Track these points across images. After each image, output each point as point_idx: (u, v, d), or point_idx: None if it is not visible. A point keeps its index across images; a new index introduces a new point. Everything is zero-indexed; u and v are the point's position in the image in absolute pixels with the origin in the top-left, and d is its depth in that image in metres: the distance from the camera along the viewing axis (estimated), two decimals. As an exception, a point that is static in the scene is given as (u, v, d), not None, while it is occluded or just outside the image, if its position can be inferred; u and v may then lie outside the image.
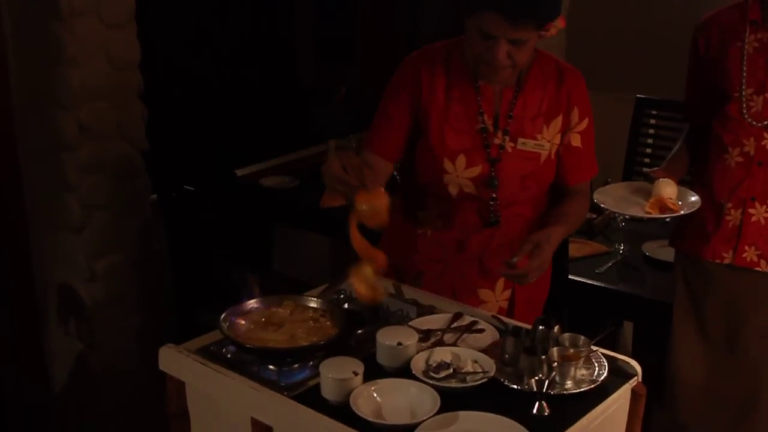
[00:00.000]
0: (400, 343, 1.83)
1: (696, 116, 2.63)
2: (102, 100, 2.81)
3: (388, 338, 1.84)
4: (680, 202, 2.48)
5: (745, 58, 2.39)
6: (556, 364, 1.76)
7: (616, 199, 2.59)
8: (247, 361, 1.86)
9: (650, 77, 4.98)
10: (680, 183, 2.54)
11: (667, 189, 2.49)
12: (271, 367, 1.86)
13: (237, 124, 4.00)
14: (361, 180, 1.86)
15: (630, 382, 1.81)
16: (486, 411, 1.67)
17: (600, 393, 1.75)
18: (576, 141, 2.23)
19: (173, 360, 1.91)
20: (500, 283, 2.28)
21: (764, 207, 2.41)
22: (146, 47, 2.96)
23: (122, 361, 3.03)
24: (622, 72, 5.20)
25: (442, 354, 1.85)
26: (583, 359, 1.81)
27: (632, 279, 2.94)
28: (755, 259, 2.43)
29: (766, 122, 2.37)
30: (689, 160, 2.65)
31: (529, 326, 1.91)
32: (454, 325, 2.01)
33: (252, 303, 2.00)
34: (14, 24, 2.68)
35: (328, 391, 1.71)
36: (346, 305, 2.15)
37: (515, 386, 1.76)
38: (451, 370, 1.78)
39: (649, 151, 4.07)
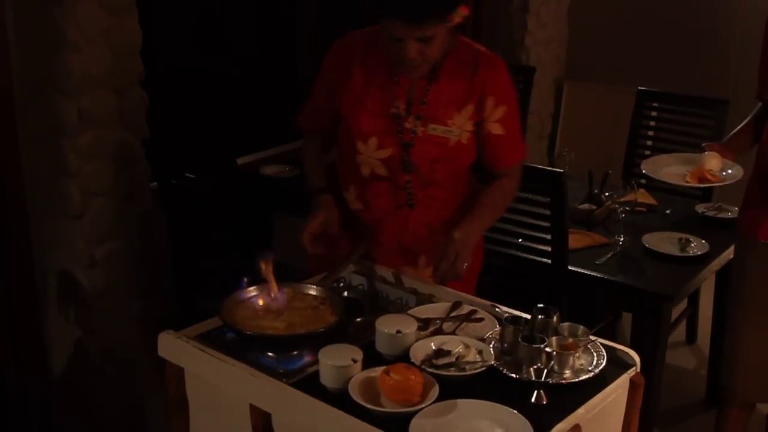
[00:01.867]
0: (399, 331, 1.85)
1: (766, 96, 2.64)
2: (103, 87, 2.81)
3: (387, 326, 1.85)
4: (723, 174, 2.52)
5: None
6: (555, 353, 1.77)
7: (661, 169, 2.65)
8: (246, 348, 1.88)
9: (651, 69, 4.98)
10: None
11: (711, 161, 2.56)
12: (270, 354, 1.87)
13: (238, 112, 4.00)
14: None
15: (629, 372, 1.83)
16: (485, 399, 1.69)
17: (598, 382, 1.77)
18: (496, 129, 2.30)
19: (172, 346, 1.92)
20: (422, 259, 2.38)
21: None
22: (148, 34, 2.95)
23: (122, 348, 3.04)
24: (624, 64, 5.20)
25: (442, 342, 1.86)
26: (581, 349, 1.83)
27: (631, 270, 2.95)
28: None
29: None
30: (751, 138, 2.67)
31: (527, 315, 1.92)
32: (453, 314, 2.03)
33: (251, 290, 2.01)
34: (15, 10, 2.67)
35: (327, 378, 1.73)
36: (345, 293, 2.17)
37: (514, 375, 1.77)
38: (452, 359, 1.80)
39: (649, 143, 4.08)
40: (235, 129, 3.89)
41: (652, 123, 4.13)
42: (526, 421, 1.61)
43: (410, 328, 1.85)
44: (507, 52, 5.25)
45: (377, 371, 1.73)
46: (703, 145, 2.71)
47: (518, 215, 2.93)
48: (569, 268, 2.89)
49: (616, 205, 3.14)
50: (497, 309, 2.06)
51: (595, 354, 1.85)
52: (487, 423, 1.63)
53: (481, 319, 2.01)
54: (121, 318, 3.02)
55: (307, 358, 1.85)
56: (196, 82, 3.74)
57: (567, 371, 1.78)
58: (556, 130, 5.62)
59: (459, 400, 1.68)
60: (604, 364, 1.81)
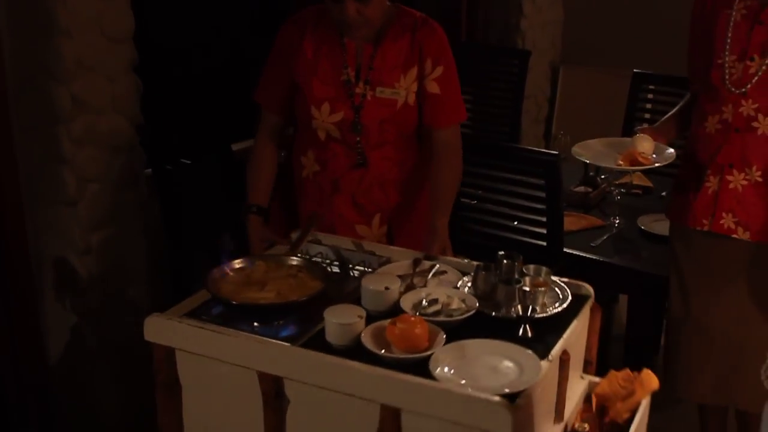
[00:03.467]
0: (387, 288, 1.95)
1: (694, 84, 2.64)
2: (96, 73, 2.79)
3: (374, 284, 1.96)
4: (654, 156, 2.55)
5: (731, 25, 2.39)
6: (530, 291, 1.91)
7: (594, 152, 2.68)
8: (235, 320, 1.91)
9: (647, 52, 4.97)
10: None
11: (644, 144, 2.58)
12: (255, 324, 1.91)
13: (233, 97, 3.98)
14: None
15: (588, 302, 2.04)
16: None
17: (569, 313, 1.97)
18: (433, 88, 2.46)
19: (163, 328, 1.91)
20: (376, 219, 2.56)
21: (741, 174, 2.42)
22: (141, 19, 2.94)
23: (118, 335, 3.03)
24: (620, 47, 5.19)
25: (427, 294, 2.00)
26: (549, 286, 2.02)
27: (627, 252, 2.95)
28: (732, 226, 2.44)
29: (744, 89, 2.37)
30: (678, 127, 2.68)
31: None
32: (419, 269, 2.15)
33: (229, 266, 2.09)
34: (6, -4, 2.67)
35: (335, 336, 1.82)
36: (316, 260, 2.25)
37: (500, 314, 1.93)
38: (439, 307, 1.94)
39: (646, 125, 4.06)
40: (230, 114, 3.88)
41: (648, 105, 4.13)
42: (531, 353, 1.77)
43: (395, 284, 1.96)
44: (503, 36, 5.24)
45: (384, 324, 1.83)
46: (636, 128, 2.73)
47: (514, 198, 2.93)
48: (565, 250, 2.89)
49: (612, 188, 3.14)
50: (465, 261, 2.21)
51: (558, 290, 2.04)
52: (497, 358, 1.77)
53: (444, 272, 2.15)
54: (117, 304, 3.02)
55: (299, 325, 1.90)
56: (191, 67, 3.72)
57: (538, 307, 1.94)
58: (552, 114, 5.61)
59: (464, 341, 1.81)
60: (570, 298, 2.00)
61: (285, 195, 2.70)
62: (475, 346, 1.81)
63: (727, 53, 2.40)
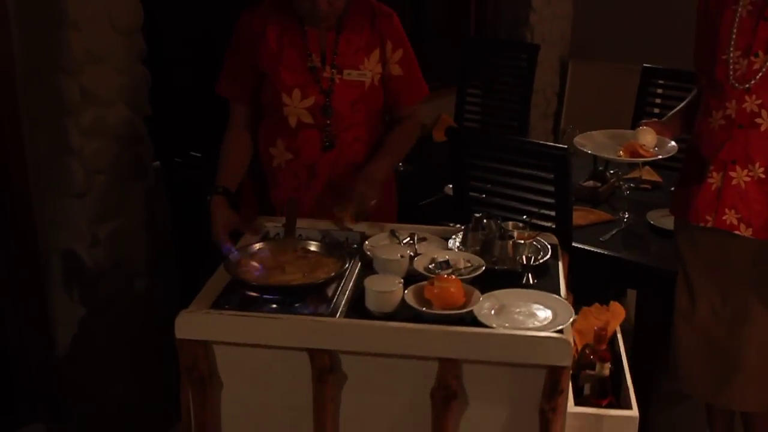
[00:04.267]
0: (391, 289, 1.96)
1: (700, 79, 2.62)
2: (104, 65, 2.80)
3: (378, 285, 1.96)
4: (656, 149, 2.54)
5: (737, 20, 2.38)
6: (522, 243, 2.15)
7: (596, 144, 2.68)
8: (263, 304, 1.94)
9: (656, 47, 4.95)
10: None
11: (646, 137, 2.58)
12: (291, 305, 1.94)
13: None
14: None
15: (558, 249, 2.28)
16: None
17: (554, 259, 2.22)
18: (396, 70, 2.60)
19: (198, 324, 1.88)
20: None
21: (745, 171, 2.40)
22: (149, 11, 2.94)
23: (126, 327, 3.04)
24: (629, 42, 5.17)
25: (434, 257, 2.12)
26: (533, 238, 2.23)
27: (636, 247, 2.94)
28: (735, 222, 2.42)
29: (747, 85, 2.36)
30: (682, 123, 2.67)
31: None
32: (405, 240, 2.25)
33: (238, 254, 2.11)
34: (16, -13, 2.67)
35: (378, 304, 1.92)
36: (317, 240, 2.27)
37: (505, 267, 2.13)
38: (450, 269, 2.06)
39: (655, 120, 4.05)
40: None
41: (658, 100, 4.10)
42: (556, 296, 2.00)
43: (398, 285, 1.96)
44: (512, 30, 5.23)
45: (420, 286, 1.96)
46: (642, 121, 2.72)
47: (523, 192, 2.92)
48: (574, 244, 2.88)
49: (621, 182, 3.12)
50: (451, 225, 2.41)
51: (534, 242, 2.25)
52: (528, 304, 1.96)
53: (425, 239, 2.27)
54: (125, 296, 3.03)
55: (316, 303, 1.95)
56: (199, 58, 3.72)
57: (524, 257, 2.14)
58: (561, 109, 5.60)
59: (495, 292, 1.98)
60: (549, 248, 2.22)
61: (255, 188, 2.69)
62: (506, 295, 1.98)
63: (731, 49, 2.38)
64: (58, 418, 3.08)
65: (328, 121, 2.53)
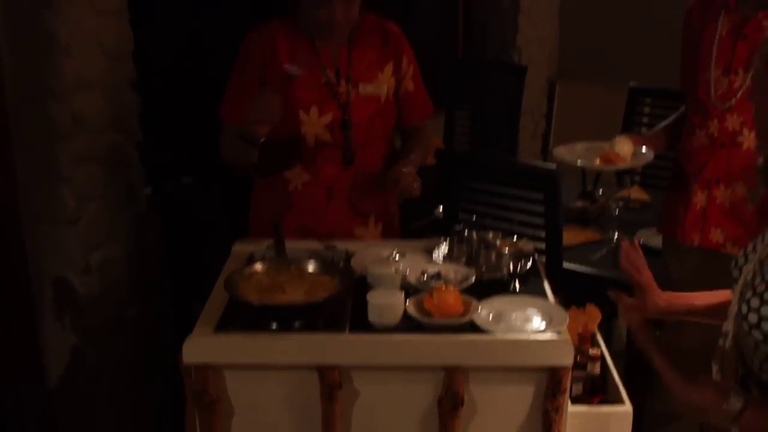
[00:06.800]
0: (393, 302, 1.99)
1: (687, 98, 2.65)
2: (95, 91, 2.80)
3: (380, 299, 1.98)
4: (630, 159, 2.58)
5: (716, 39, 2.40)
6: (506, 252, 2.21)
7: (573, 154, 2.72)
8: (266, 324, 1.94)
9: (643, 66, 4.99)
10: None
11: (623, 147, 2.61)
12: (296, 323, 1.95)
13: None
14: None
15: (535, 256, 2.35)
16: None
17: (534, 267, 2.28)
18: (410, 86, 2.63)
19: (208, 347, 1.89)
20: (371, 219, 2.64)
21: (729, 189, 2.42)
22: (139, 36, 2.94)
23: (117, 354, 3.03)
24: (616, 61, 5.21)
25: (425, 270, 2.17)
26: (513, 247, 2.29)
27: (627, 266, 2.95)
28: (721, 240, 2.44)
29: (728, 104, 2.38)
30: (667, 141, 2.70)
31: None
32: (391, 255, 2.31)
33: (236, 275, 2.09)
34: (5, 14, 2.66)
35: (381, 317, 1.94)
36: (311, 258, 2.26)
37: (494, 276, 2.18)
38: (442, 281, 2.10)
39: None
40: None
41: (645, 119, 4.14)
42: (549, 301, 2.08)
43: (400, 298, 1.99)
44: (499, 51, 5.26)
45: (419, 298, 2.01)
46: (626, 136, 2.75)
47: (513, 212, 2.93)
48: (564, 264, 2.89)
49: (610, 202, 3.14)
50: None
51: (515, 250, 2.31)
52: (523, 310, 2.01)
53: (404, 254, 2.32)
54: (117, 323, 3.02)
55: (319, 319, 1.96)
56: (190, 84, 3.73)
57: (509, 265, 2.22)
58: (549, 130, 5.63)
59: (491, 299, 2.03)
60: (531, 256, 2.30)
61: (266, 212, 2.65)
62: (501, 301, 2.05)
63: (712, 68, 2.41)
64: (49, 445, 3.06)
65: (347, 137, 2.51)
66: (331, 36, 2.48)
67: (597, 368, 2.12)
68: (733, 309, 1.52)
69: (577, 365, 2.13)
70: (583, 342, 2.18)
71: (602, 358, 2.21)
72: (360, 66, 2.53)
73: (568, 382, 1.90)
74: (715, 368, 1.58)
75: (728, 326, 1.54)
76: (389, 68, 2.57)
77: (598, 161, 2.66)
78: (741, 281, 1.52)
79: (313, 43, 2.50)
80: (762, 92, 1.43)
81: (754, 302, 1.42)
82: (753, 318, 1.42)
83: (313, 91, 2.49)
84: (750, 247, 1.57)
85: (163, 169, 3.09)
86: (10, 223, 2.82)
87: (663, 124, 2.79)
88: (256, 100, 2.36)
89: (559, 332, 1.92)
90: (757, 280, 1.46)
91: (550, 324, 1.96)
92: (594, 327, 2.29)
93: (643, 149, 2.65)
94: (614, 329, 3.49)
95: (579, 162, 2.74)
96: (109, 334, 2.99)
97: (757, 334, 1.41)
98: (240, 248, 2.41)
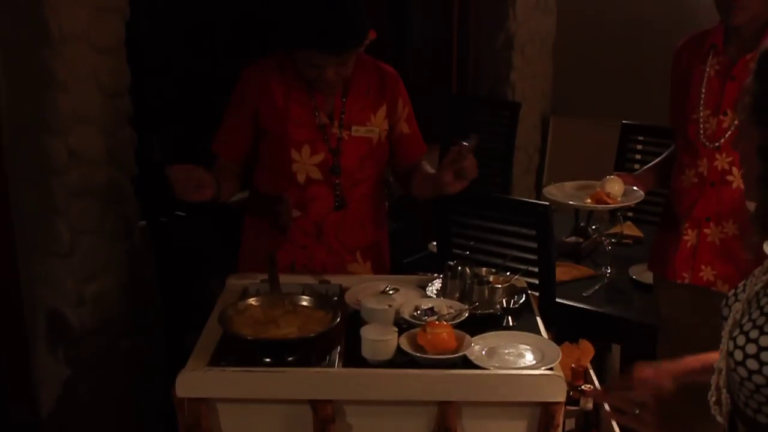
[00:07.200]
0: (387, 337, 2.00)
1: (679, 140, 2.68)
2: (91, 126, 2.82)
3: (374, 334, 2.00)
4: (621, 198, 2.61)
5: (705, 80, 2.43)
6: (499, 287, 2.24)
7: (564, 193, 2.75)
8: (259, 359, 1.94)
9: (636, 103, 5.03)
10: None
11: (614, 186, 2.63)
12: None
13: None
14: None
15: (529, 292, 2.37)
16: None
17: (526, 302, 2.31)
18: (405, 128, 2.64)
19: (200, 381, 1.89)
20: (359, 254, 2.64)
21: (719, 227, 2.44)
22: (136, 72, 2.97)
23: (110, 387, 3.02)
24: (609, 98, 5.25)
25: (419, 305, 2.19)
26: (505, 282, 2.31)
27: (619, 302, 2.96)
28: (712, 278, 2.46)
29: (717, 144, 2.41)
30: (657, 180, 2.72)
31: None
32: (385, 290, 2.33)
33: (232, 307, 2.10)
34: (4, 49, 2.70)
35: (374, 353, 1.96)
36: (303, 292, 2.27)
37: (487, 311, 2.19)
38: (435, 316, 2.12)
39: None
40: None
41: (638, 156, 4.16)
42: (541, 336, 2.09)
43: (393, 334, 2.01)
44: (493, 87, 5.30)
45: (412, 333, 2.02)
46: (617, 174, 2.77)
47: (506, 248, 2.94)
48: (557, 300, 2.90)
49: (603, 238, 3.16)
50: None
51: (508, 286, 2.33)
52: (515, 345, 2.03)
53: (397, 289, 2.33)
54: (110, 356, 3.01)
55: (312, 354, 1.97)
56: (186, 119, 3.75)
57: (503, 301, 2.24)
58: (543, 165, 5.66)
59: (485, 335, 2.06)
60: (524, 292, 2.32)
61: (257, 247, 2.67)
62: (495, 337, 2.06)
63: (701, 108, 2.43)
64: (40, 480, 3.05)
65: (337, 180, 2.53)
66: (322, 90, 2.50)
67: (590, 403, 2.12)
68: (724, 347, 1.54)
69: (570, 401, 2.13)
70: (576, 377, 2.19)
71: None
72: (354, 109, 2.54)
73: (561, 418, 1.90)
74: (712, 401, 1.59)
75: (721, 363, 1.56)
76: (382, 111, 2.58)
77: (588, 201, 2.68)
78: (730, 320, 1.53)
79: (308, 84, 2.50)
80: (746, 140, 1.45)
81: (740, 340, 1.44)
82: (739, 355, 1.43)
83: (306, 129, 2.50)
84: (740, 287, 1.59)
85: (157, 202, 3.10)
86: (5, 256, 2.84)
87: (653, 163, 2.81)
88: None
89: (552, 368, 1.93)
90: (745, 319, 1.48)
91: (543, 359, 1.97)
92: (587, 362, 2.30)
93: (634, 188, 2.67)
94: (607, 364, 3.49)
95: (570, 202, 2.76)
96: (102, 366, 2.99)
97: (742, 372, 1.42)
98: (234, 282, 2.42)
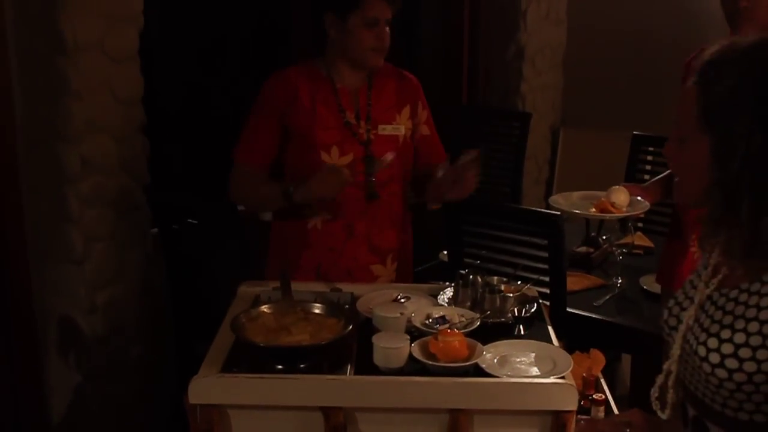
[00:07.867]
0: (398, 346, 1.99)
1: None
2: (105, 134, 2.84)
3: (386, 342, 2.00)
4: (626, 208, 2.62)
5: None
6: (511, 296, 2.24)
7: (570, 203, 2.76)
8: (272, 366, 1.95)
9: (646, 114, 5.03)
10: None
11: (619, 196, 2.64)
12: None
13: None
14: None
15: (540, 301, 2.37)
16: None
17: (538, 311, 2.31)
18: (425, 130, 2.72)
19: (212, 388, 1.90)
20: (389, 257, 2.67)
21: None
22: (149, 81, 2.99)
23: (121, 394, 3.03)
24: (619, 110, 5.25)
25: (430, 313, 2.20)
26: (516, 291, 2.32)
27: (630, 312, 2.96)
28: None
29: None
30: (663, 192, 2.72)
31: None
32: (396, 298, 2.34)
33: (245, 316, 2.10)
34: (20, 58, 2.72)
35: (386, 360, 1.96)
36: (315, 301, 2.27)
37: (499, 320, 2.21)
38: (447, 324, 2.12)
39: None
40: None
41: (648, 167, 4.16)
42: (553, 345, 2.11)
43: (405, 342, 2.00)
44: (503, 99, 5.31)
45: (425, 341, 2.02)
46: (622, 184, 2.78)
47: (517, 258, 2.95)
48: (568, 309, 2.90)
49: (614, 248, 3.16)
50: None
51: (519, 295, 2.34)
52: (527, 354, 2.05)
53: (408, 297, 2.34)
54: (121, 363, 3.03)
55: (325, 362, 1.97)
56: (198, 128, 3.77)
57: (514, 310, 2.24)
58: (553, 176, 5.65)
59: (497, 343, 2.06)
60: (536, 301, 2.33)
61: (284, 250, 2.69)
62: (507, 345, 2.07)
63: None
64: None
65: (371, 177, 2.56)
66: (374, 63, 2.55)
67: (601, 412, 2.12)
68: (675, 353, 1.57)
69: (581, 409, 2.13)
70: (587, 386, 2.19)
71: (606, 402, 2.21)
72: (379, 107, 2.59)
73: (572, 427, 1.90)
74: (654, 397, 1.62)
75: (672, 366, 1.59)
76: (406, 111, 2.64)
77: (593, 210, 2.70)
78: (683, 327, 1.56)
79: (333, 85, 2.57)
80: (693, 151, 1.51)
81: (712, 343, 1.46)
82: (715, 358, 1.45)
83: (333, 131, 2.54)
84: (680, 296, 1.63)
85: (170, 211, 3.11)
86: (18, 263, 2.85)
87: (661, 175, 2.82)
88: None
89: (563, 376, 1.93)
90: (707, 322, 1.50)
91: (555, 368, 1.97)
92: (598, 371, 2.30)
93: (638, 198, 2.68)
94: (618, 374, 3.49)
95: (575, 211, 2.78)
96: (113, 373, 3.00)
97: (721, 373, 1.44)
98: (246, 289, 2.42)
